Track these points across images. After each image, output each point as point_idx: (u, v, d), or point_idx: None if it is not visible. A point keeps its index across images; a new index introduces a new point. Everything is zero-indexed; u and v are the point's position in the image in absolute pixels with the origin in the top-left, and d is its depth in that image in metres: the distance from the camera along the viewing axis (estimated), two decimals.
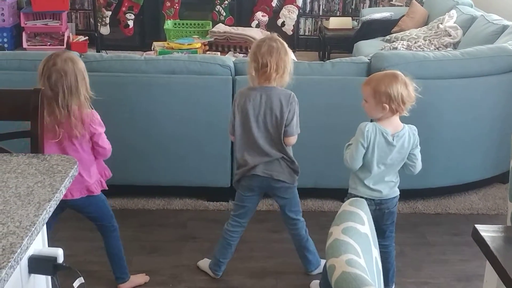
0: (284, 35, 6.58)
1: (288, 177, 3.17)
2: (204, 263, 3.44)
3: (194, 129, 3.98)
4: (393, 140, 2.88)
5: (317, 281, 3.28)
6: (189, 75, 3.91)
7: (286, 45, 3.11)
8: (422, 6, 7.00)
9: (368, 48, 6.29)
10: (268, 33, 6.31)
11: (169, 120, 3.96)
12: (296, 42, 7.86)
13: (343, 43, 7.26)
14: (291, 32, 7.86)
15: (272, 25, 7.76)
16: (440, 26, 6.09)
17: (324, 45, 7.53)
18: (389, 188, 3.00)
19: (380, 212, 3.03)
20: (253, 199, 3.28)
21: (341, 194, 4.11)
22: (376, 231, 3.15)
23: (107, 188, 3.15)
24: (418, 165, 3.02)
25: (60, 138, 2.85)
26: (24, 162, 2.01)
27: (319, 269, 3.41)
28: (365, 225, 1.52)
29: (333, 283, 1.31)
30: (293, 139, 3.14)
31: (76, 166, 2.00)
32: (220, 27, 5.99)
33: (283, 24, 7.84)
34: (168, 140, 4.00)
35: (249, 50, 5.65)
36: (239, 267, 3.47)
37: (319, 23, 8.09)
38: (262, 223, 3.88)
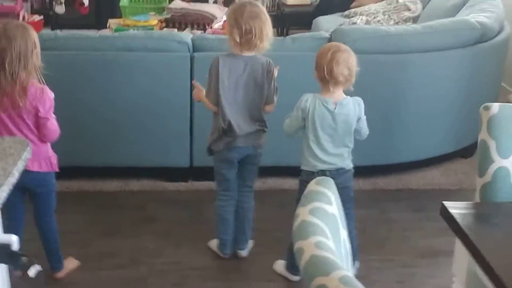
0: None
1: (263, 140, 3.18)
2: (213, 244, 3.39)
3: (152, 108, 3.87)
4: (335, 108, 2.88)
5: (281, 261, 3.23)
6: (146, 53, 3.79)
7: (265, 9, 3.03)
8: None
9: (327, 23, 6.21)
10: (226, 8, 6.21)
11: (126, 99, 3.85)
12: None
13: (302, 19, 7.17)
14: None
15: (230, 1, 7.62)
16: (399, 0, 6.05)
17: (283, 22, 7.43)
18: (340, 159, 2.98)
19: None
20: (233, 171, 3.22)
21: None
22: None
23: (58, 170, 3.03)
24: (364, 133, 3.02)
25: (10, 112, 2.74)
26: None
27: (248, 250, 3.37)
28: (332, 205, 1.46)
29: (303, 267, 1.25)
30: (272, 107, 3.14)
31: (29, 148, 1.90)
32: (177, 3, 5.84)
33: None
34: (125, 119, 3.89)
35: (207, 26, 5.59)
36: (200, 247, 3.41)
37: None
38: None
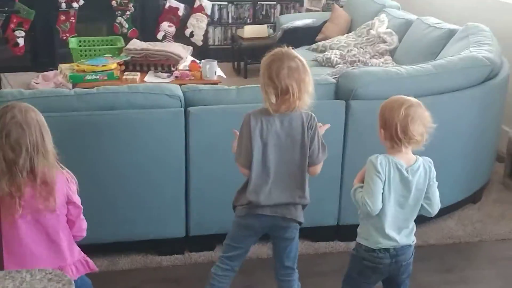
0: (193, 46, 5.99)
1: (299, 215, 2.69)
2: None
3: (141, 173, 3.33)
4: (408, 174, 2.45)
5: None
6: (132, 110, 3.26)
7: (304, 60, 2.61)
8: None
9: None
10: (191, 48, 5.70)
11: (110, 164, 3.29)
12: (206, 53, 7.25)
13: (263, 53, 6.73)
14: (201, 43, 7.27)
15: (180, 36, 7.14)
16: (372, 32, 5.72)
17: (240, 56, 6.98)
18: (405, 235, 2.56)
19: (396, 266, 2.57)
20: (251, 241, 2.77)
21: (312, 233, 3.65)
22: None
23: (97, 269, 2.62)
24: (436, 204, 2.58)
25: (23, 214, 2.24)
26: None
27: None
28: None
29: None
30: (318, 168, 2.68)
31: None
32: (136, 44, 5.30)
33: (191, 34, 7.23)
34: (108, 187, 3.34)
35: (172, 68, 5.06)
36: None
37: (230, 31, 7.56)
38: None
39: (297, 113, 2.58)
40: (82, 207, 2.47)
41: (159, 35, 7.08)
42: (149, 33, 7.01)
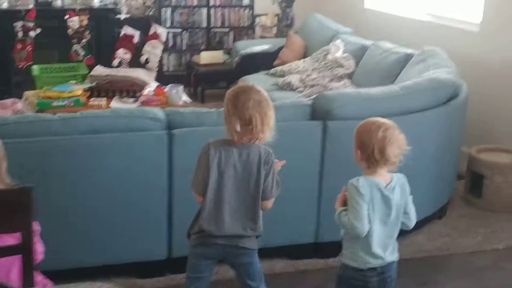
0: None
1: (252, 243, 2.76)
2: None
3: (124, 196, 3.36)
4: (387, 192, 2.56)
5: None
6: (115, 133, 3.30)
7: (268, 96, 2.70)
8: None
9: (256, 83, 5.92)
10: (154, 73, 5.76)
11: (93, 187, 3.31)
12: (162, 79, 7.29)
13: (219, 79, 6.88)
14: (156, 69, 7.32)
15: (136, 63, 7.17)
16: (328, 57, 5.89)
17: (196, 82, 7.07)
18: (390, 252, 2.66)
19: (382, 282, 2.68)
20: (210, 268, 2.82)
21: (290, 251, 3.74)
22: None
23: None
24: (413, 217, 2.71)
25: None
26: None
27: None
28: None
29: None
30: (270, 203, 2.75)
31: None
32: (100, 70, 5.34)
33: (146, 61, 7.27)
34: (91, 210, 3.35)
35: (138, 93, 5.11)
36: None
37: (184, 58, 7.65)
38: None
39: (256, 147, 2.65)
40: (36, 230, 2.38)
41: (115, 62, 7.10)
42: (105, 60, 7.00)
